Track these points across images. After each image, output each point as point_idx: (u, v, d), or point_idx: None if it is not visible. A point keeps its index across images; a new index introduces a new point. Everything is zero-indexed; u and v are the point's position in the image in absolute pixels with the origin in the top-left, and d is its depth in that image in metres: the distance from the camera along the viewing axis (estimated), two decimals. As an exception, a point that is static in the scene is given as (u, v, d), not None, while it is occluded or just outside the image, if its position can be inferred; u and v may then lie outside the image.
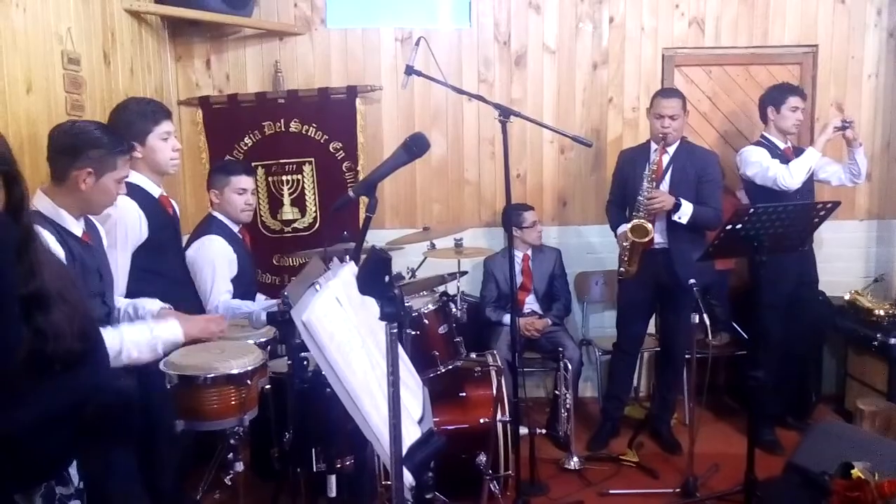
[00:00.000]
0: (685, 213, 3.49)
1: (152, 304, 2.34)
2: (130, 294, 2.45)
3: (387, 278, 1.33)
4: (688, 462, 3.29)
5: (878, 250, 4.53)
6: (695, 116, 4.45)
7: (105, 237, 2.32)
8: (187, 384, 2.17)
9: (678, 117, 3.55)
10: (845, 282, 4.34)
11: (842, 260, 4.44)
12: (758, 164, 3.68)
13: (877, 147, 4.43)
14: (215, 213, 3.16)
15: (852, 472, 2.45)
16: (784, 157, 3.72)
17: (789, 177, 3.60)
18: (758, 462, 3.01)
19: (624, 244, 3.57)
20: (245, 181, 3.16)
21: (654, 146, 3.63)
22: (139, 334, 2.09)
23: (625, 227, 3.60)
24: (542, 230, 4.34)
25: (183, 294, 2.74)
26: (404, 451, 1.41)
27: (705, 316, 3.15)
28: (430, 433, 1.58)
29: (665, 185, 3.58)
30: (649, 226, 3.46)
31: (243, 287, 3.09)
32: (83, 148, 2.08)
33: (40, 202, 2.07)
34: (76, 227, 2.12)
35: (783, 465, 3.08)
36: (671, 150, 3.59)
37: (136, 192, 2.52)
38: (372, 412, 1.46)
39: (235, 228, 3.17)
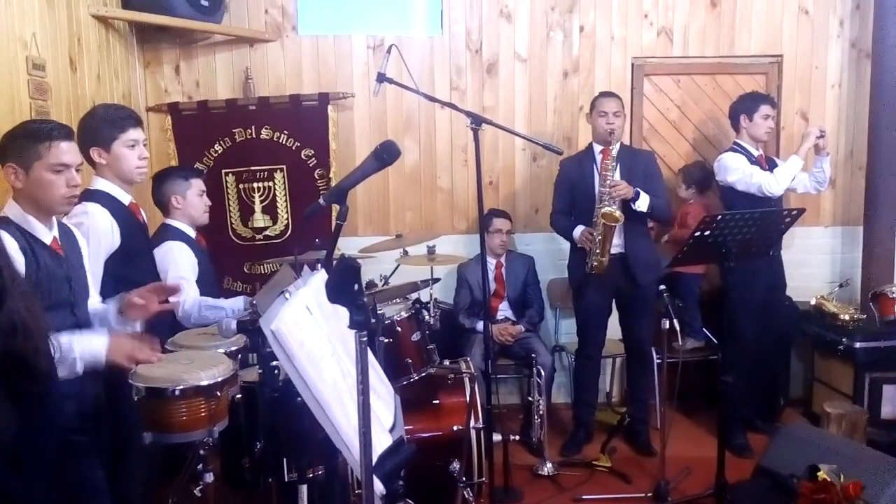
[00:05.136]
0: (643, 202, 3.62)
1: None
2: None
3: (356, 286, 1.33)
4: (659, 466, 3.32)
5: (842, 256, 4.62)
6: (664, 124, 4.52)
7: (84, 247, 2.28)
8: (155, 396, 2.13)
9: (620, 115, 3.71)
10: (811, 287, 4.41)
11: (808, 265, 4.52)
12: (739, 170, 3.75)
13: (841, 155, 4.52)
14: (170, 222, 3.14)
15: (818, 474, 2.50)
16: (759, 165, 3.80)
17: (775, 183, 3.68)
18: (728, 465, 3.05)
19: (592, 236, 3.61)
20: (202, 183, 3.23)
21: (597, 148, 3.75)
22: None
23: (581, 228, 3.70)
24: (515, 237, 4.39)
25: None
26: (374, 460, 1.40)
27: (675, 322, 3.20)
28: (401, 441, 1.58)
29: (614, 172, 3.65)
30: (618, 212, 3.54)
31: (205, 290, 3.07)
32: (4, 145, 2.04)
33: (10, 209, 2.04)
34: (45, 235, 2.07)
35: (753, 468, 3.14)
36: (614, 151, 3.63)
37: (105, 200, 2.49)
38: (342, 421, 1.45)
39: (192, 234, 3.17)
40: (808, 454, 2.80)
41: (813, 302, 4.24)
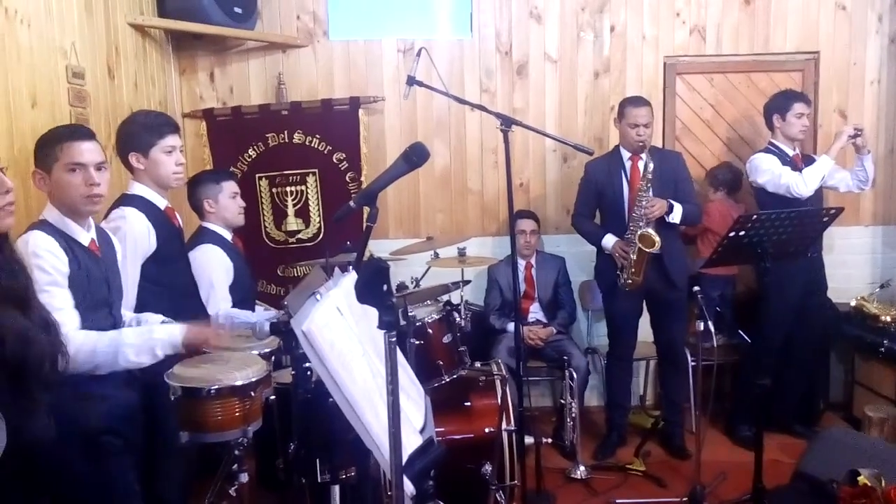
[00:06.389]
0: (677, 213, 3.59)
1: (154, 318, 2.33)
2: (139, 306, 2.46)
3: (385, 287, 1.33)
4: (695, 470, 3.27)
5: (883, 256, 4.51)
6: (697, 124, 4.46)
7: (119, 250, 2.33)
8: (191, 396, 2.17)
9: (650, 125, 3.65)
10: (851, 288, 4.32)
11: (847, 266, 4.42)
12: (769, 171, 3.69)
13: (880, 153, 4.41)
14: (207, 224, 3.19)
15: (859, 479, 2.44)
16: (794, 165, 3.73)
17: (803, 184, 3.61)
18: (766, 470, 2.99)
19: (626, 253, 3.57)
20: (235, 186, 3.26)
21: (625, 154, 3.70)
22: (137, 337, 2.07)
23: (612, 239, 3.65)
24: (546, 239, 4.37)
25: (191, 305, 2.74)
26: (404, 460, 1.41)
27: (710, 324, 3.14)
28: (430, 441, 1.58)
29: (649, 191, 3.60)
30: (657, 236, 3.48)
31: (241, 293, 3.11)
32: (34, 153, 2.10)
33: (49, 213, 2.10)
34: (83, 237, 2.13)
35: (791, 472, 3.07)
36: (644, 155, 3.57)
37: (142, 204, 2.54)
38: (373, 421, 1.46)
39: (229, 236, 3.21)
40: (848, 459, 2.72)
41: (853, 303, 4.15)
